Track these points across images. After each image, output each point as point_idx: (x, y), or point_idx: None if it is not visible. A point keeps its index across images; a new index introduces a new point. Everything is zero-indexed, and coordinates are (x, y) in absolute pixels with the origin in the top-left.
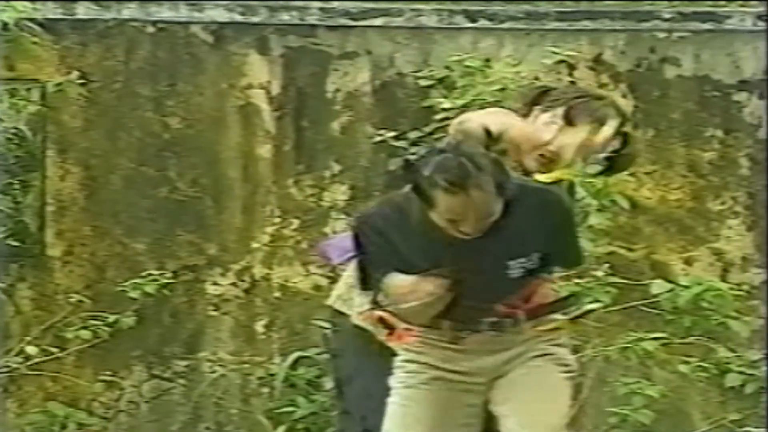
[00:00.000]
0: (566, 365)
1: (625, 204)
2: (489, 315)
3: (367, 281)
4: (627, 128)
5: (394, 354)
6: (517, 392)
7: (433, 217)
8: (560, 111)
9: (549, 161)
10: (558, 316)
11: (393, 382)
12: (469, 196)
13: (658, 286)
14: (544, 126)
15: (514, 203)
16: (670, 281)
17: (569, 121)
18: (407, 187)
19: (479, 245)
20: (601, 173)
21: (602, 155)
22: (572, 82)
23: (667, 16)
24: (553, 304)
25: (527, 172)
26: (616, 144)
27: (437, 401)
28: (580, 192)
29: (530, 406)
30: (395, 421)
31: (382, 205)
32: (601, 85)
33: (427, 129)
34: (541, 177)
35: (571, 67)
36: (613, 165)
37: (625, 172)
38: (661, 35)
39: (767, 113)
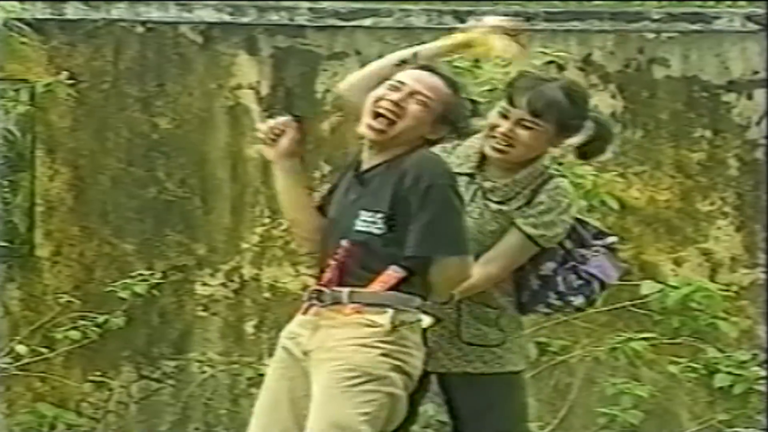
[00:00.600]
0: (355, 375)
1: (614, 204)
2: (321, 279)
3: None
4: (596, 114)
5: None
6: (314, 391)
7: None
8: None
9: (504, 145)
10: (388, 313)
11: None
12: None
13: (647, 287)
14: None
15: (396, 162)
16: (659, 281)
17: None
18: None
19: (353, 184)
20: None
21: (575, 141)
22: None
23: (656, 16)
24: (385, 296)
25: (485, 157)
26: (588, 131)
27: (279, 378)
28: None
29: (313, 416)
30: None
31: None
32: (591, 86)
33: None
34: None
35: (561, 68)
36: (586, 151)
37: (600, 157)
38: (650, 36)
39: (767, 112)
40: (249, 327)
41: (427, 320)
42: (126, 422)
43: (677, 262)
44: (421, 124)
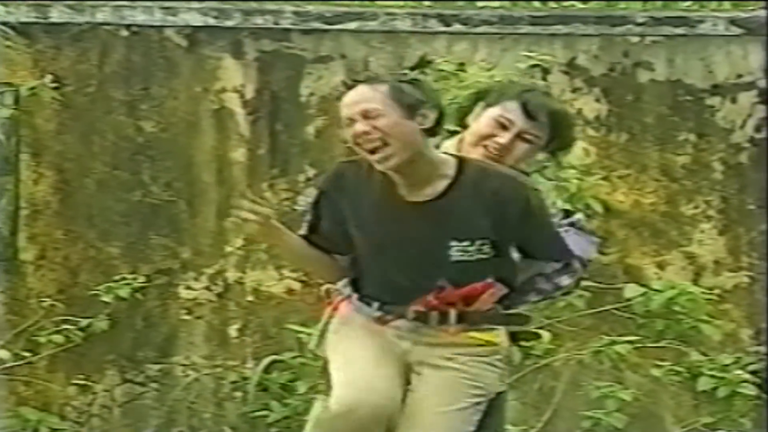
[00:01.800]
0: (478, 388)
1: (598, 208)
2: (418, 302)
3: (312, 230)
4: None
5: None
6: (413, 399)
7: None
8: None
9: (498, 155)
10: (497, 330)
11: (330, 350)
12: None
13: (631, 290)
14: (485, 120)
15: (470, 182)
16: (642, 285)
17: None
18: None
19: (422, 214)
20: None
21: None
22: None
23: (641, 20)
24: (493, 314)
25: None
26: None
27: (373, 348)
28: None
29: (415, 419)
30: (344, 377)
31: (342, 165)
32: (575, 89)
33: None
34: None
35: (545, 72)
36: (553, 149)
37: (569, 151)
38: (635, 40)
39: None
40: (233, 330)
41: (546, 335)
42: (110, 426)
43: (661, 266)
44: (403, 131)
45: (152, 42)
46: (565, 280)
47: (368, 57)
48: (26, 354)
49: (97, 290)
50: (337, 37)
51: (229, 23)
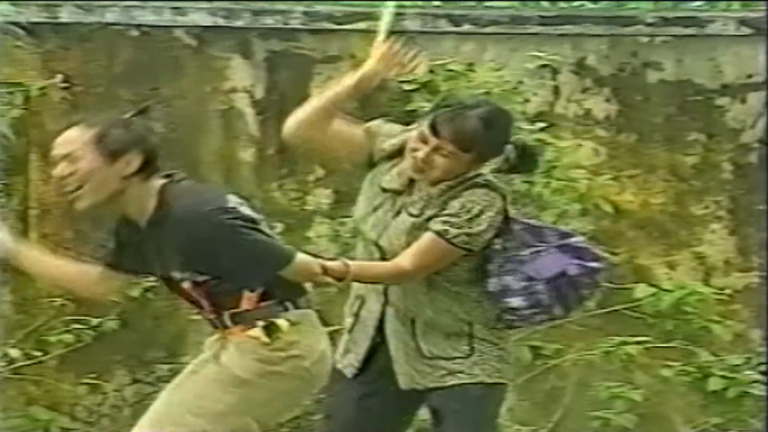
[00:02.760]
0: (231, 373)
1: (608, 208)
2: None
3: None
4: (518, 138)
5: None
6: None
7: None
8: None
9: (420, 168)
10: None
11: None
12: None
13: (640, 290)
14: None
15: (161, 219)
16: (652, 285)
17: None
18: None
19: (145, 249)
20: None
21: (494, 163)
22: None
23: (650, 20)
24: (255, 311)
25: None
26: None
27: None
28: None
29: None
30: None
31: None
32: (584, 90)
33: None
34: None
35: (555, 72)
36: (511, 169)
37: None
38: (644, 40)
39: (767, 113)
40: None
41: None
42: (120, 426)
43: (671, 266)
44: (97, 177)
45: (161, 42)
46: (516, 301)
47: None
48: (36, 353)
49: None
50: (346, 37)
51: (238, 23)
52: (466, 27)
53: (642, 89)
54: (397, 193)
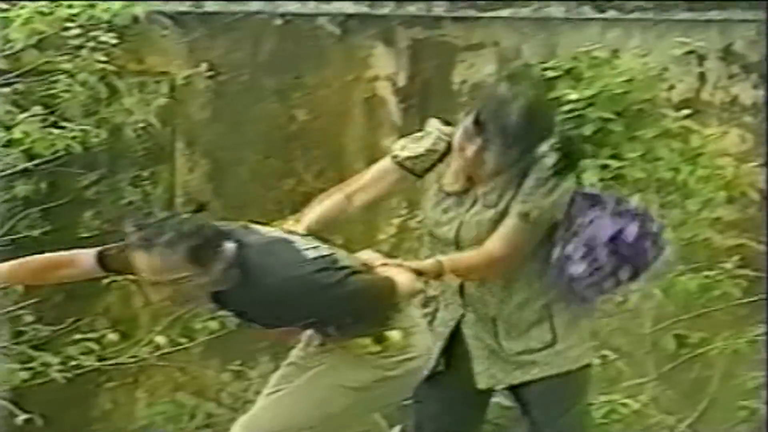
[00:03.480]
0: (345, 381)
1: (754, 196)
2: None
3: None
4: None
5: None
6: None
7: None
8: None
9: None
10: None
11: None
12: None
13: None
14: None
15: (261, 288)
16: None
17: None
18: None
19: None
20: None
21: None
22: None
23: None
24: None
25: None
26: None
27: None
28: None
29: None
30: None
31: None
32: (731, 76)
33: None
34: None
35: (701, 58)
36: (566, 163)
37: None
38: None
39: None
40: None
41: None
42: None
43: None
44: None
45: (305, 30)
46: (580, 267)
47: (520, 44)
48: (182, 340)
49: None
50: (489, 25)
51: (382, 11)
52: (611, 13)
53: None
54: (462, 192)
